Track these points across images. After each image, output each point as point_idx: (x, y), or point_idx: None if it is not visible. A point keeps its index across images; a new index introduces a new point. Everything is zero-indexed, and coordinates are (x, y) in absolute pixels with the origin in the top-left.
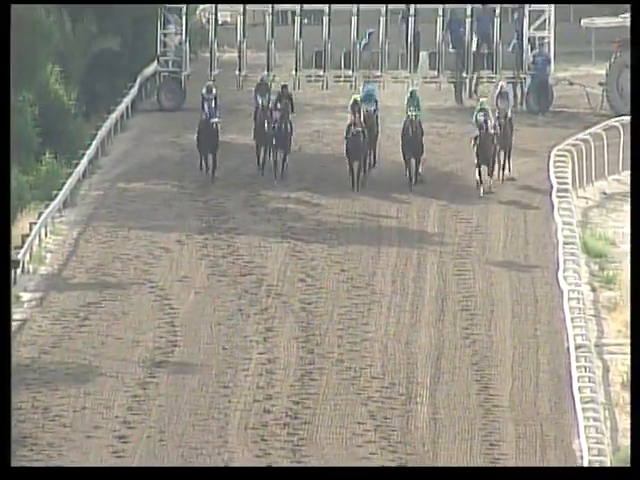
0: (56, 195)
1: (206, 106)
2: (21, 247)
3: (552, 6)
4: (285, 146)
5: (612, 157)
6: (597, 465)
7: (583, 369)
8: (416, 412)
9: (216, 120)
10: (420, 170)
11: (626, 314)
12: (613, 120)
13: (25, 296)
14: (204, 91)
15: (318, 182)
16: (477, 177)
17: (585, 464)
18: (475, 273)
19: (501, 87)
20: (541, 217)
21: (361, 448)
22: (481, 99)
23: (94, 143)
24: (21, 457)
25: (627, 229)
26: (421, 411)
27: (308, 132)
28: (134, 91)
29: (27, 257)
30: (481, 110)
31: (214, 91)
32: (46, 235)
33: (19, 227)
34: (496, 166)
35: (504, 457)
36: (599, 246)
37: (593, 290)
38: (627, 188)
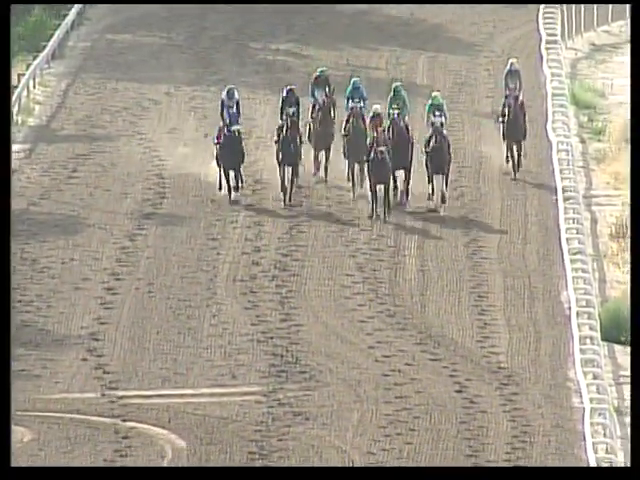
0: (44, 46)
1: (226, 113)
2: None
3: None
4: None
5: (601, 9)
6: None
7: (571, 221)
8: (404, 264)
9: (238, 127)
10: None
11: (615, 165)
12: None
13: (14, 147)
14: (224, 96)
15: (307, 34)
16: (429, 190)
17: (573, 316)
18: (464, 125)
19: (511, 64)
20: (530, 69)
21: (350, 300)
22: (434, 93)
23: None
24: (10, 309)
25: (616, 80)
26: (409, 263)
27: None
28: None
29: (15, 109)
30: (434, 107)
31: (236, 96)
32: (34, 87)
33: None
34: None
35: (492, 309)
36: (588, 97)
37: (582, 142)
38: (616, 39)
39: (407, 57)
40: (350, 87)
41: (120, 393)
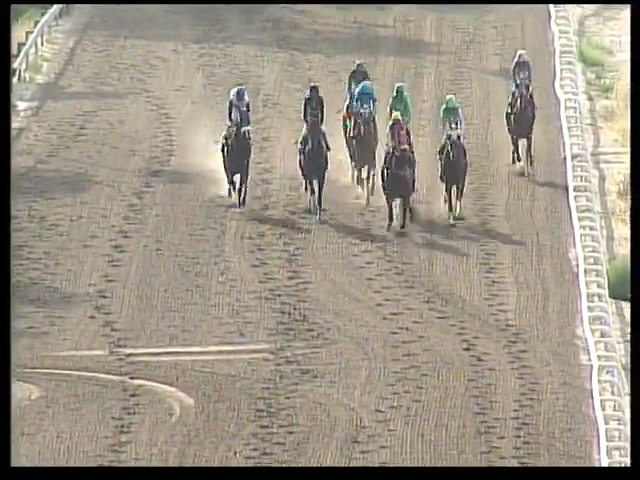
0: (52, 3)
1: (235, 115)
2: (17, 56)
3: None
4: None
5: None
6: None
7: (579, 178)
8: (412, 222)
9: (248, 129)
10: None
11: (623, 123)
12: None
13: (21, 105)
14: (234, 96)
15: None
16: (444, 195)
17: (581, 273)
18: (472, 82)
19: (519, 56)
20: (538, 26)
21: (357, 257)
22: (448, 96)
23: None
24: (18, 266)
25: (624, 38)
26: (417, 220)
27: None
28: None
29: (23, 66)
30: (449, 111)
31: (246, 97)
32: (42, 44)
33: (15, 36)
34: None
35: (500, 266)
36: (596, 55)
37: (590, 99)
38: None
39: (415, 15)
40: (359, 90)
41: (128, 351)
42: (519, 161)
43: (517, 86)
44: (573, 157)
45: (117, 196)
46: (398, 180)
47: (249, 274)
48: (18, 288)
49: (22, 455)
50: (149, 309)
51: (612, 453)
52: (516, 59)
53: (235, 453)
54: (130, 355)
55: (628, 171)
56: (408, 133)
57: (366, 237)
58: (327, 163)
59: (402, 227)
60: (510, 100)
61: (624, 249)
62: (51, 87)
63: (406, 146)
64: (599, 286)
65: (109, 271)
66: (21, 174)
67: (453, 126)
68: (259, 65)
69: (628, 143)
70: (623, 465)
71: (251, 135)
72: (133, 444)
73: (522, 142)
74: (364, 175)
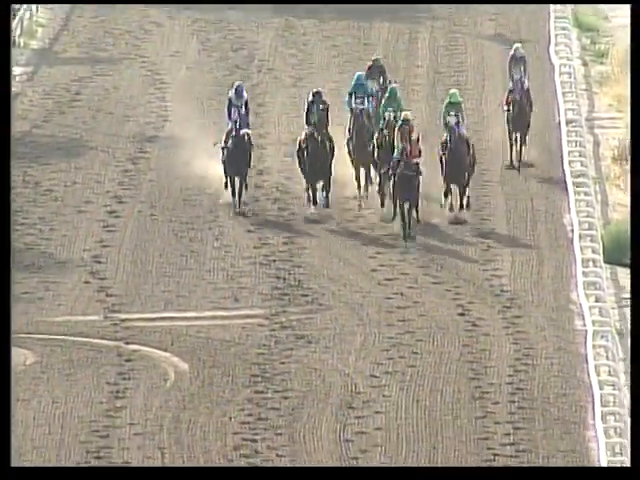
0: None
1: (235, 114)
2: (12, 21)
3: None
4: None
5: None
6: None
7: (574, 144)
8: None
9: (248, 131)
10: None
11: (617, 88)
12: None
13: (16, 70)
14: (232, 94)
15: None
16: (443, 199)
17: (575, 238)
18: (467, 47)
19: (516, 49)
20: None
21: (352, 223)
22: (451, 90)
23: None
24: (13, 232)
25: (619, 3)
26: None
27: None
28: None
29: (18, 31)
30: (451, 106)
31: (244, 94)
32: (37, 10)
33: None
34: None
35: (495, 232)
36: (591, 20)
37: (584, 64)
38: None
39: None
40: (353, 82)
41: (123, 316)
42: (519, 156)
43: (512, 84)
44: (567, 122)
45: (112, 161)
46: (407, 184)
47: (244, 239)
48: (13, 254)
49: (17, 420)
50: (144, 274)
51: (607, 418)
52: (512, 52)
53: (230, 418)
54: (125, 320)
55: (623, 136)
56: (418, 139)
57: (361, 202)
58: (331, 170)
59: (407, 237)
60: (506, 98)
61: (619, 214)
62: (46, 52)
63: (418, 160)
64: (594, 251)
65: (104, 236)
66: (16, 139)
67: (454, 118)
68: (253, 31)
69: (623, 108)
70: (618, 431)
71: (252, 139)
72: (128, 409)
73: (517, 136)
74: (362, 176)
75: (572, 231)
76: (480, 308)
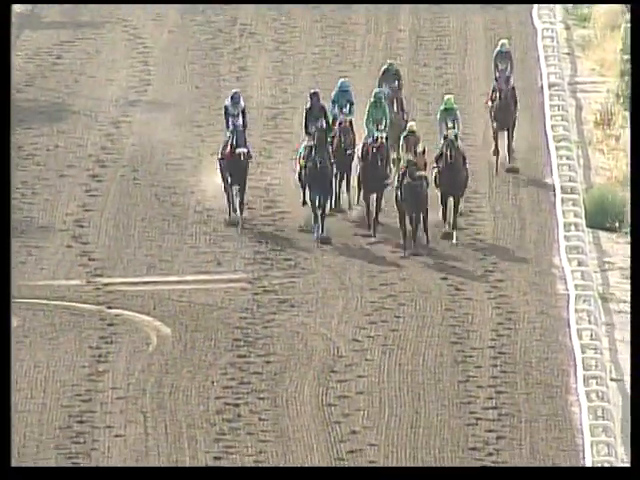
0: None
1: (231, 124)
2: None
3: None
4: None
5: None
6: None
7: (556, 108)
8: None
9: (243, 150)
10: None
11: (599, 52)
12: None
13: None
14: (228, 102)
15: None
16: (441, 215)
17: (558, 202)
18: (449, 12)
19: (501, 45)
20: None
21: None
22: (446, 96)
23: None
24: None
25: None
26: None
27: None
28: None
29: None
30: (447, 112)
31: (242, 103)
32: None
33: None
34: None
35: (477, 195)
36: None
37: (567, 28)
38: None
39: None
40: (336, 89)
41: (105, 280)
42: (499, 154)
43: (497, 80)
44: (550, 86)
45: (94, 125)
46: (414, 195)
47: (226, 204)
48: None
49: None
50: (126, 239)
51: (589, 382)
52: (498, 48)
53: (212, 382)
54: (107, 284)
55: (605, 100)
56: (424, 151)
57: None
58: (332, 186)
59: (410, 250)
60: (490, 94)
61: (601, 178)
62: (28, 16)
63: (424, 173)
64: (576, 215)
65: (86, 201)
66: None
67: (450, 125)
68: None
69: (606, 72)
70: (600, 394)
71: (251, 154)
72: (110, 373)
73: (503, 135)
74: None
75: (554, 195)
76: (462, 272)
